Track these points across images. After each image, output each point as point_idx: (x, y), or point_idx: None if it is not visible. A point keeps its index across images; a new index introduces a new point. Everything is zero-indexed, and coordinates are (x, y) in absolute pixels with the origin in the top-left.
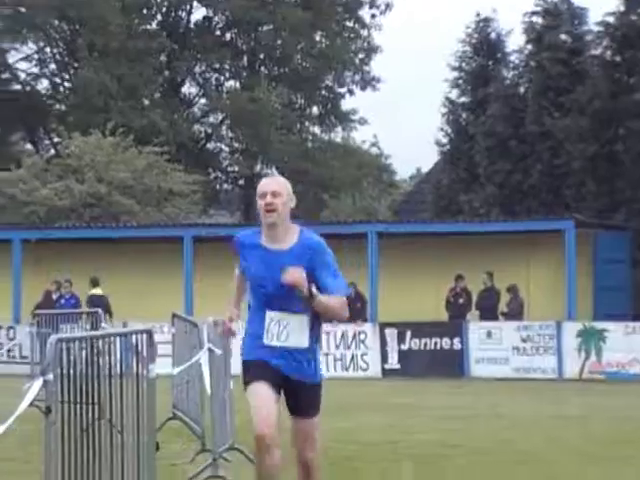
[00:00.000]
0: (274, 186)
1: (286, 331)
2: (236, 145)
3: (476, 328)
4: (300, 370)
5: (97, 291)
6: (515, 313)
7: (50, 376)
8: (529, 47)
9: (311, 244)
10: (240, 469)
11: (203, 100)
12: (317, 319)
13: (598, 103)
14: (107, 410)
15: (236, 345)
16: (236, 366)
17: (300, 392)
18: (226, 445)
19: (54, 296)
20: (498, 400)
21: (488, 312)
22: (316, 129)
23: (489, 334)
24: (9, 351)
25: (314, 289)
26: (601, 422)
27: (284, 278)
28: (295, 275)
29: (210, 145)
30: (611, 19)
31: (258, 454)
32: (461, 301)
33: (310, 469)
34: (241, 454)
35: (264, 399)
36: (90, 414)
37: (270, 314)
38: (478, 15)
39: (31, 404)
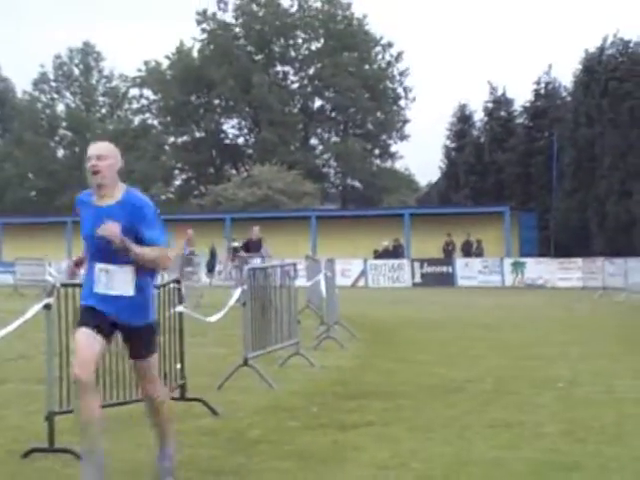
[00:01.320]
0: (100, 150)
1: (112, 281)
2: (338, 169)
3: (460, 261)
4: (129, 315)
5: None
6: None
7: (245, 287)
8: (485, 118)
9: (133, 200)
10: (342, 334)
11: (321, 147)
12: (143, 268)
13: (521, 146)
14: (274, 302)
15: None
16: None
17: (132, 334)
18: (334, 320)
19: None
20: (475, 297)
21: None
22: (378, 161)
23: (467, 264)
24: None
25: (129, 242)
26: (518, 307)
27: (98, 232)
28: (109, 229)
29: None
30: (527, 104)
31: (76, 398)
32: (450, 248)
33: (154, 402)
34: (342, 327)
35: (83, 344)
36: (267, 304)
37: (99, 265)
38: (459, 102)
39: (237, 301)
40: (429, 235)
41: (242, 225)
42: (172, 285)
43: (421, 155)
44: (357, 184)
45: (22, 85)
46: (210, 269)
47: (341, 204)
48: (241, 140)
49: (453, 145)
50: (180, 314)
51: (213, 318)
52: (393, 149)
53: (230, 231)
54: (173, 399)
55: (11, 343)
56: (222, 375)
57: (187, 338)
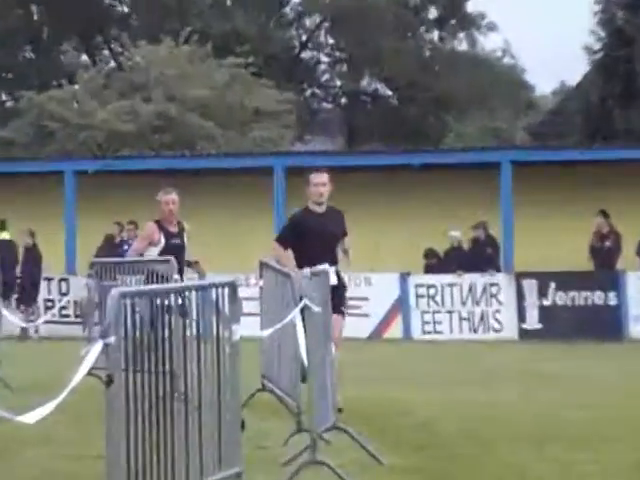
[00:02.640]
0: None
1: None
2: (337, 55)
3: (636, 279)
4: None
5: (4, 236)
6: None
7: (112, 339)
8: None
9: None
10: (344, 453)
11: None
12: None
13: None
14: (181, 381)
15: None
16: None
17: None
18: (327, 424)
19: (116, 241)
20: None
21: None
22: (435, 35)
23: None
24: (62, 308)
25: None
26: None
27: None
28: None
29: (306, 55)
30: None
31: None
32: (608, 244)
33: None
34: (346, 434)
35: None
36: (161, 386)
37: None
38: None
39: (89, 373)
40: (560, 214)
41: (107, 187)
42: None
43: (541, 22)
44: (386, 90)
45: None
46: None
47: (346, 140)
48: None
49: None
50: None
51: (29, 417)
52: (473, 6)
53: (74, 202)
54: None
55: None
56: None
57: None
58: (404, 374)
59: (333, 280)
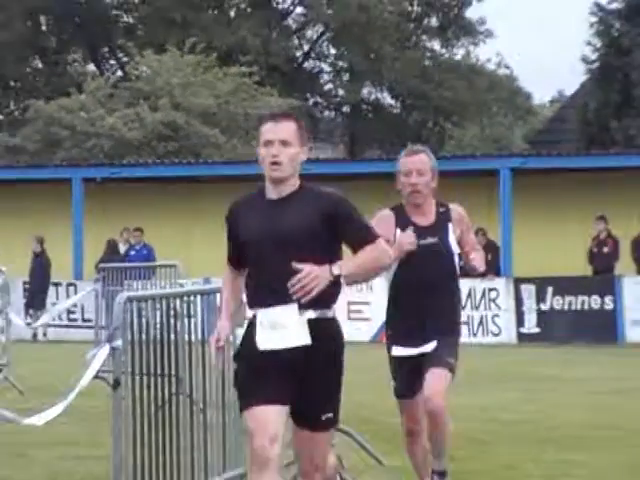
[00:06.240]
0: (418, 164)
1: None
2: (340, 64)
3: (632, 283)
4: None
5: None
6: None
7: (118, 342)
8: None
9: None
10: (345, 454)
11: (300, 9)
12: None
13: None
14: (187, 383)
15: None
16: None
17: None
18: None
19: (122, 247)
20: None
21: None
22: (435, 44)
23: None
24: (70, 313)
25: None
26: None
27: None
28: None
29: (308, 64)
30: None
31: None
32: (606, 250)
33: None
34: (347, 436)
35: None
36: (166, 388)
37: None
38: None
39: (96, 376)
40: (558, 221)
41: (113, 194)
42: None
43: (538, 32)
44: (387, 98)
45: None
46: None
47: (349, 147)
48: None
49: (617, 5)
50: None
51: (38, 419)
52: (472, 14)
53: (81, 207)
54: None
55: None
56: None
57: None
58: None
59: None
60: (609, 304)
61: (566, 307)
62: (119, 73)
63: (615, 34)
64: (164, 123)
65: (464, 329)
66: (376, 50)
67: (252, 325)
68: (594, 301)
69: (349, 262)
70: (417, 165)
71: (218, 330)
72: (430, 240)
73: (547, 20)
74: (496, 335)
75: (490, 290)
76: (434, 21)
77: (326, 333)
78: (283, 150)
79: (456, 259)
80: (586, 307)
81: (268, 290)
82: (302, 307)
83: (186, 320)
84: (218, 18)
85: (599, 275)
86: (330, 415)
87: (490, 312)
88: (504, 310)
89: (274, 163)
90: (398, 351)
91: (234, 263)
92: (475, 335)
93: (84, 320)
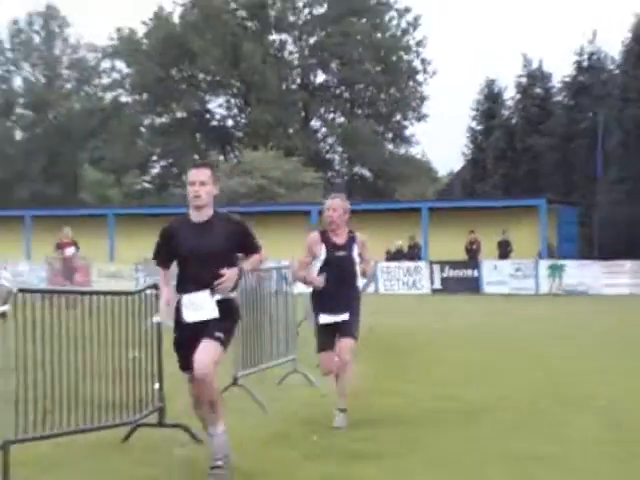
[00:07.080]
0: (335, 205)
1: None
2: (345, 156)
3: (488, 264)
4: None
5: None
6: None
7: (235, 294)
8: (518, 96)
9: None
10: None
11: (324, 129)
12: None
13: (560, 129)
14: (269, 311)
15: None
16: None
17: None
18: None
19: None
20: (504, 305)
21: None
22: (390, 146)
23: (495, 267)
24: None
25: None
26: (556, 319)
27: None
28: None
29: (323, 148)
30: (567, 79)
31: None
32: (474, 247)
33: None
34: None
35: None
36: (258, 314)
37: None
38: (487, 77)
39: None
40: (451, 233)
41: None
42: (148, 291)
43: (441, 139)
44: (366, 173)
45: None
46: None
47: (347, 196)
48: (230, 121)
49: (480, 128)
50: (158, 325)
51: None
52: (408, 132)
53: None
54: (150, 425)
55: None
56: None
57: (165, 355)
58: (376, 311)
59: (205, 312)
60: (476, 274)
61: (455, 275)
62: (235, 160)
63: (479, 142)
64: (258, 185)
65: (403, 286)
66: (360, 150)
67: (179, 305)
68: (469, 272)
69: (247, 263)
70: (334, 205)
71: (165, 297)
72: (342, 253)
73: (445, 134)
74: (419, 289)
75: (416, 267)
76: (390, 136)
77: (228, 307)
78: (202, 188)
79: (357, 266)
80: (463, 275)
81: (191, 281)
82: (212, 292)
83: (267, 283)
84: (283, 133)
85: (471, 260)
86: (220, 334)
87: (417, 277)
88: (424, 277)
89: (196, 196)
90: (323, 319)
91: (164, 265)
92: (410, 289)
93: None
